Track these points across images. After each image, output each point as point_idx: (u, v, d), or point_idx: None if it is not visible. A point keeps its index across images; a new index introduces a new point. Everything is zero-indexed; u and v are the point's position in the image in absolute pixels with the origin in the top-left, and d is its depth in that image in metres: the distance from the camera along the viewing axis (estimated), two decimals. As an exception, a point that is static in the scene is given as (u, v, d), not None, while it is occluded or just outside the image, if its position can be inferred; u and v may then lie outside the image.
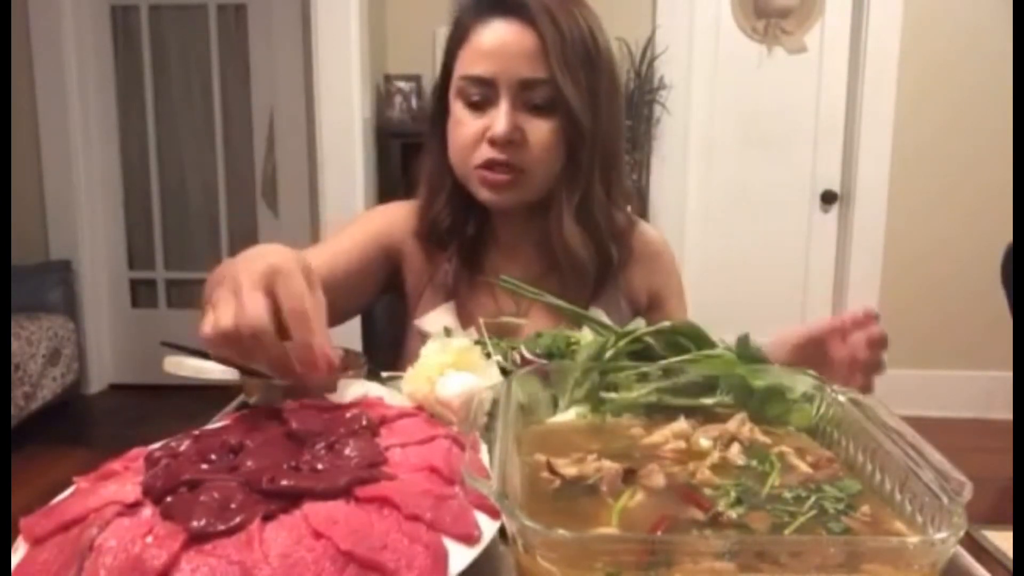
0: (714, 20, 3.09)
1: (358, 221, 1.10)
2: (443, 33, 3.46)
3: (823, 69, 3.09)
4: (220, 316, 0.59)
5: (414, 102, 2.94)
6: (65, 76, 3.22)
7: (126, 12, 3.37)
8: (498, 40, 0.94)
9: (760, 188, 3.17)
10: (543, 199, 1.01)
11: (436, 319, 1.02)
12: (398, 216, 1.08)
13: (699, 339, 0.73)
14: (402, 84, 2.95)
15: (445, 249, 1.05)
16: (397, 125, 2.90)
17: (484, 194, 0.99)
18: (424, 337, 0.99)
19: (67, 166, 3.28)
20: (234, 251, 0.69)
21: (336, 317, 1.01)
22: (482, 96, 0.95)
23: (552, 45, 0.92)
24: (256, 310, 0.58)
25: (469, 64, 0.96)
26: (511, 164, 0.95)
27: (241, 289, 0.59)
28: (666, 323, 0.75)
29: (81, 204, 3.34)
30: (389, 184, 2.91)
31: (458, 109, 0.98)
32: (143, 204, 3.51)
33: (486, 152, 0.95)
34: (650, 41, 2.98)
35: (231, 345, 0.59)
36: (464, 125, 0.97)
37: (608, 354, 0.70)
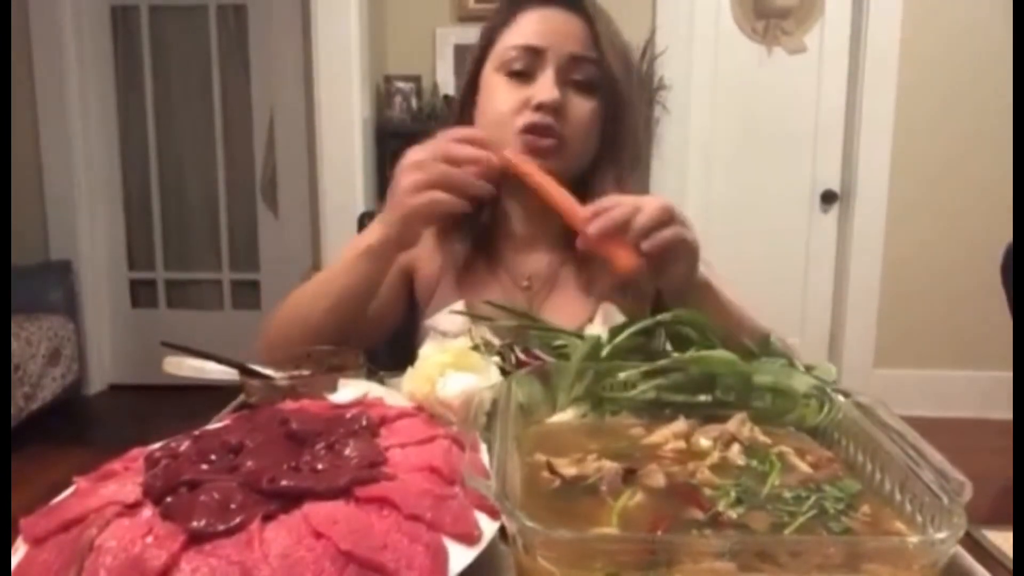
0: (714, 20, 3.09)
1: None
2: (443, 33, 3.44)
3: (823, 69, 3.09)
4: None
5: (414, 102, 2.94)
6: (65, 76, 3.22)
7: (126, 12, 3.37)
8: (551, 20, 0.97)
9: (760, 188, 3.17)
10: (574, 183, 1.01)
11: (448, 316, 1.01)
12: None
13: (703, 329, 0.72)
14: (402, 84, 2.94)
15: (460, 239, 1.04)
16: (397, 125, 2.90)
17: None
18: (437, 335, 0.99)
19: (67, 166, 3.28)
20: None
21: (375, 340, 1.03)
22: (526, 66, 0.96)
23: (603, 29, 0.97)
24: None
25: (516, 38, 0.97)
26: (554, 129, 0.96)
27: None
28: (667, 314, 0.74)
29: (81, 204, 3.34)
30: (389, 185, 2.90)
31: (497, 80, 0.98)
32: (143, 204, 3.51)
33: (529, 117, 0.95)
34: (650, 41, 2.98)
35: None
36: (503, 95, 0.97)
37: (606, 350, 0.70)
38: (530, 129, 0.96)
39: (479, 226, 1.04)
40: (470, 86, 1.04)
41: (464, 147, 0.85)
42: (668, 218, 0.77)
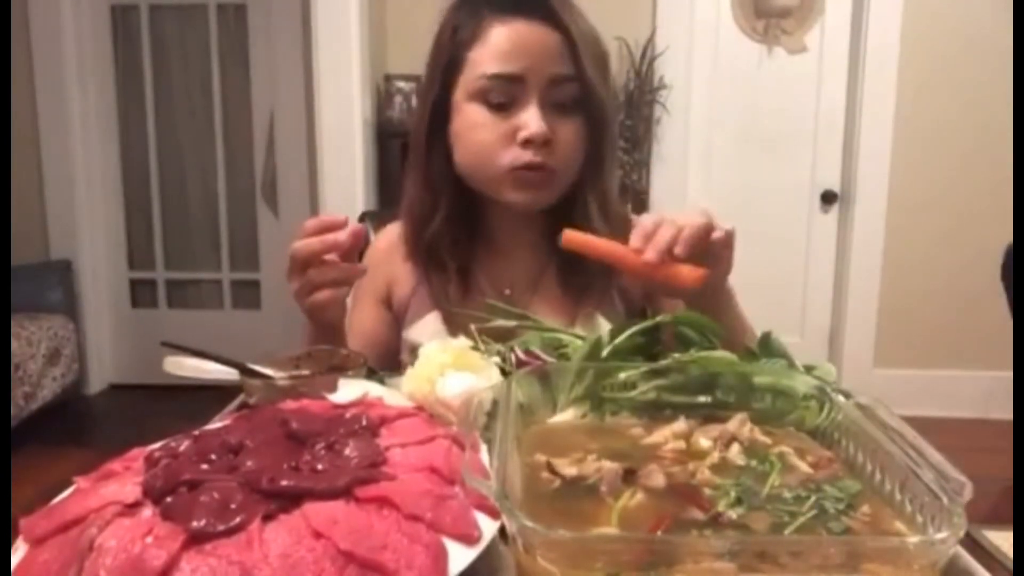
0: (714, 20, 3.08)
1: (361, 288, 1.07)
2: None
3: (823, 69, 3.09)
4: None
5: (414, 102, 2.94)
6: (65, 76, 3.22)
7: (126, 12, 3.37)
8: (524, 38, 0.91)
9: (760, 188, 3.17)
10: (560, 200, 0.99)
11: (424, 329, 1.00)
12: (388, 253, 1.06)
13: (704, 329, 0.72)
14: (402, 84, 2.94)
15: (439, 265, 1.01)
16: (397, 125, 2.90)
17: (516, 196, 0.95)
18: (414, 349, 0.98)
19: (67, 166, 3.28)
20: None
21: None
22: (507, 96, 0.92)
23: (579, 42, 0.92)
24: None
25: (491, 63, 0.92)
26: (545, 166, 0.93)
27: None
28: (667, 316, 0.74)
29: (81, 204, 3.34)
30: (389, 185, 2.91)
31: (476, 111, 0.94)
32: (143, 204, 3.51)
33: (519, 155, 0.92)
34: (650, 41, 2.98)
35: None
36: (486, 128, 0.93)
37: (605, 352, 0.70)
38: (522, 168, 0.92)
39: (451, 239, 1.00)
40: (439, 111, 0.97)
41: (320, 239, 0.82)
42: (712, 225, 0.80)
